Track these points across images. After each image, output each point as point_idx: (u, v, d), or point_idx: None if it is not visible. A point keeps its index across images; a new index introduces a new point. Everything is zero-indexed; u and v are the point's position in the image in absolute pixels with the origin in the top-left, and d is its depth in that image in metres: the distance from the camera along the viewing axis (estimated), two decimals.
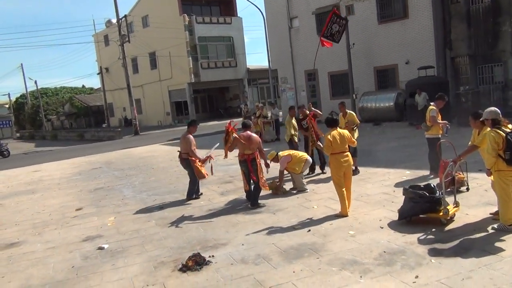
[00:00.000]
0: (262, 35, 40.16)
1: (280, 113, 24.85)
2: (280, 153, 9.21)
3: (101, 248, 6.66)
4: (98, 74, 48.28)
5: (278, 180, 9.09)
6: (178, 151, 9.53)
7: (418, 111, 17.04)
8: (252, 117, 18.61)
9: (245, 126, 8.44)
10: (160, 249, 6.36)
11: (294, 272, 5.02)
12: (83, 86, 66.37)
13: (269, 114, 18.71)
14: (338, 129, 7.24)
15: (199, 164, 9.13)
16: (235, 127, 8.50)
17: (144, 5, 38.74)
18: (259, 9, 30.13)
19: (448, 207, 6.07)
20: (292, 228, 6.62)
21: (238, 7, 43.47)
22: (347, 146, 7.15)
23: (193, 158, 9.07)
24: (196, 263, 5.47)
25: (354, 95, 21.11)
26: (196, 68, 35.71)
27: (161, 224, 7.71)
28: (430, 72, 18.79)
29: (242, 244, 6.15)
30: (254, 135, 8.34)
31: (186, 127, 9.55)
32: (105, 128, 43.12)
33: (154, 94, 39.96)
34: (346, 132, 7.35)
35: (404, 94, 19.48)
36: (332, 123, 7.20)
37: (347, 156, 7.06)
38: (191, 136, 9.26)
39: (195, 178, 9.23)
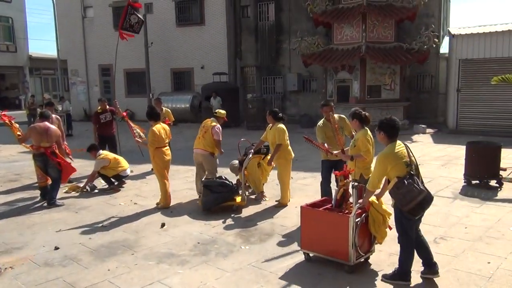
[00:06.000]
0: (51, 20, 36.27)
1: (71, 107, 23.02)
2: None
3: None
4: None
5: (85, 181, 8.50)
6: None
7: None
8: (38, 110, 16.75)
9: (43, 117, 7.63)
10: None
11: (109, 270, 4.79)
12: None
13: (60, 108, 17.17)
14: (161, 123, 7.40)
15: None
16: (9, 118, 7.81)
17: None
18: None
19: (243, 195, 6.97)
20: (100, 226, 6.29)
21: None
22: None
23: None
24: None
25: (151, 94, 21.07)
26: None
27: None
28: (223, 78, 20.18)
29: (43, 246, 5.54)
30: (52, 126, 7.60)
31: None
32: None
33: None
34: (166, 127, 7.53)
35: (200, 97, 20.42)
36: (153, 116, 7.28)
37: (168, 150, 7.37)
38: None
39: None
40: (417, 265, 4.42)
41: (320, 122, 6.39)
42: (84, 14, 24.23)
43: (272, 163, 7.09)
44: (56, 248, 5.48)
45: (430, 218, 6.14)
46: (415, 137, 14.36)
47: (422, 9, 16.26)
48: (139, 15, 11.18)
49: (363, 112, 5.39)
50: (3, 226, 6.43)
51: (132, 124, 8.50)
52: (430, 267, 4.41)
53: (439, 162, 10.37)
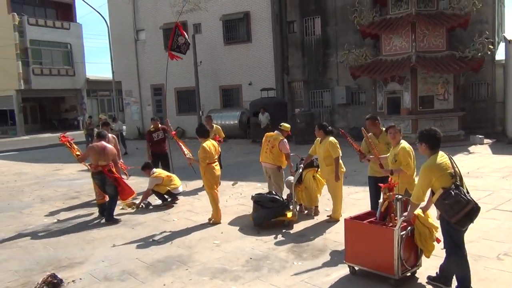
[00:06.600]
0: (106, 44, 38.23)
1: (124, 127, 23.98)
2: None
3: None
4: None
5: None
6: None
7: (261, 129, 18.25)
8: (95, 129, 17.57)
9: (100, 136, 8.00)
10: (2, 273, 5.56)
11: (164, 285, 4.91)
12: None
13: (113, 128, 17.88)
14: (210, 140, 7.55)
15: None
16: (69, 140, 8.28)
17: None
18: (102, 17, 28.69)
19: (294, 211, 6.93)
20: (155, 241, 6.47)
21: (78, 12, 40.56)
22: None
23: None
24: (52, 284, 4.94)
25: (201, 112, 21.56)
26: (27, 73, 32.15)
27: None
28: (271, 94, 20.33)
29: (103, 261, 5.77)
30: (109, 145, 7.94)
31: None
32: None
33: None
34: (215, 143, 7.67)
35: (248, 113, 20.64)
36: (203, 133, 7.47)
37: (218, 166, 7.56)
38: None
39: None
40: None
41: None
42: (136, 37, 25.30)
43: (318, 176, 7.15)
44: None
45: (492, 233, 5.85)
46: (472, 148, 13.76)
47: (474, 16, 15.70)
48: (186, 37, 11.50)
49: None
50: (65, 241, 6.75)
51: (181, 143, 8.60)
52: (446, 281, 4.37)
53: (499, 174, 9.86)
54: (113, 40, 26.28)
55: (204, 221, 7.36)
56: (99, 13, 27.09)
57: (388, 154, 5.63)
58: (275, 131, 7.69)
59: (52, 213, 8.62)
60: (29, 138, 30.02)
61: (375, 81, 16.88)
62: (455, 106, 15.94)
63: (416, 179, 4.58)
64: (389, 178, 5.06)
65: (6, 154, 20.79)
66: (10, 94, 32.27)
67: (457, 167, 4.20)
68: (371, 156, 5.85)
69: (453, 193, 3.99)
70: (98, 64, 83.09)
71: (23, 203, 9.69)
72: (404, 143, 5.36)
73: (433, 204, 4.28)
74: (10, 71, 31.58)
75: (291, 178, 7.42)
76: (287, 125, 7.76)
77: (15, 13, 31.79)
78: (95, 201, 8.59)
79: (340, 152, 6.81)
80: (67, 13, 36.60)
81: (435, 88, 15.74)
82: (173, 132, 9.60)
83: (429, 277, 4.55)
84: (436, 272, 4.49)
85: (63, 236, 7.05)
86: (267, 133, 7.86)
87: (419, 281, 4.64)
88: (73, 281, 5.16)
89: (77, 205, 9.27)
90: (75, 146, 8.24)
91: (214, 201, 7.26)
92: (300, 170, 7.17)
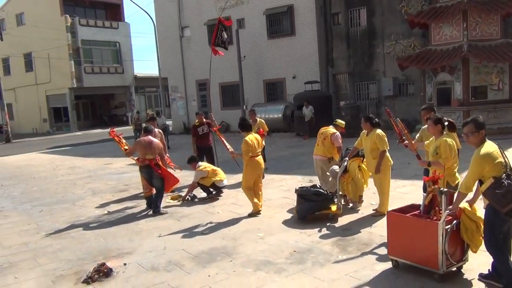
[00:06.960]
0: (152, 42, 39.22)
1: (169, 122, 24.51)
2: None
3: None
4: None
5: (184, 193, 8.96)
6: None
7: (305, 122, 18.13)
8: (143, 125, 18.04)
9: (147, 131, 8.21)
10: (57, 262, 5.84)
11: (209, 276, 4.98)
12: None
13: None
14: (253, 133, 7.55)
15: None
16: (118, 134, 8.54)
17: (20, 2, 35.47)
18: (149, 15, 29.40)
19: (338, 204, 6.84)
20: (200, 233, 6.57)
21: (126, 12, 41.73)
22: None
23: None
24: (103, 273, 5.13)
25: (244, 106, 21.66)
26: (79, 72, 33.56)
27: (54, 236, 7.07)
28: (315, 87, 20.10)
29: (150, 252, 5.93)
30: (155, 140, 8.14)
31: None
32: None
33: (29, 99, 36.52)
34: (258, 136, 7.66)
35: (292, 106, 20.53)
36: (245, 127, 7.48)
37: (261, 159, 7.51)
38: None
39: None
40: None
41: (423, 127, 6.15)
42: (181, 34, 25.73)
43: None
44: None
45: None
46: None
47: None
48: (226, 33, 11.59)
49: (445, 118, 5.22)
50: (115, 232, 6.99)
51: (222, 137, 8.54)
52: (499, 278, 4.18)
53: None
54: (159, 38, 26.86)
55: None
56: (146, 12, 27.86)
57: (426, 142, 5.44)
58: (330, 126, 7.67)
59: (102, 205, 8.96)
60: (81, 134, 31.35)
61: (424, 72, 16.30)
62: (511, 96, 15.13)
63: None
64: (433, 171, 4.88)
65: (60, 149, 21.81)
66: (64, 92, 33.81)
67: (506, 157, 4.06)
68: (407, 142, 5.68)
69: (505, 182, 3.89)
70: (145, 62, 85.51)
71: (75, 196, 10.12)
72: (446, 136, 5.10)
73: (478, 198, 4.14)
74: (64, 70, 33.07)
75: (336, 167, 7.30)
76: (342, 122, 7.80)
77: (67, 15, 33.21)
78: (142, 194, 8.84)
79: (388, 145, 6.64)
80: (115, 13, 37.81)
81: (488, 78, 15.01)
82: (215, 128, 9.61)
83: (480, 275, 4.36)
84: (488, 269, 4.29)
85: (112, 227, 7.30)
86: (322, 128, 7.84)
87: (465, 276, 4.47)
88: (123, 272, 5.32)
89: (125, 197, 9.57)
90: (123, 141, 8.50)
91: (249, 193, 7.36)
92: (345, 163, 7.04)
